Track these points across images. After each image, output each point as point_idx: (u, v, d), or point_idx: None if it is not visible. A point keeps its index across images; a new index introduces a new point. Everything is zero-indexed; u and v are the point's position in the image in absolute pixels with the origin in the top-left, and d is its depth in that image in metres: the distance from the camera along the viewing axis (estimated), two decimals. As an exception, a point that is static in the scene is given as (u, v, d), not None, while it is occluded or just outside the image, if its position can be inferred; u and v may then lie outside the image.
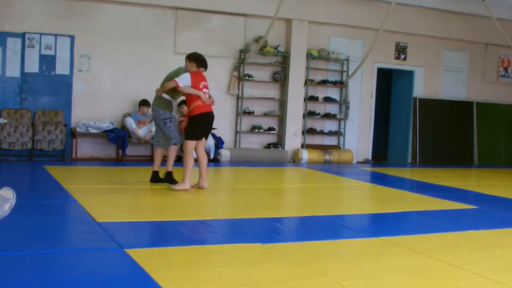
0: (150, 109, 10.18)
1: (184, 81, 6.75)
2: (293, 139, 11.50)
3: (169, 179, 7.14)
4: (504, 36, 11.14)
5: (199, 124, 6.87)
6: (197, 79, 6.78)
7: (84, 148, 10.08)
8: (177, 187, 6.92)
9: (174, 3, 10.46)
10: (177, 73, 6.98)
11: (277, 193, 7.81)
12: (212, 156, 10.42)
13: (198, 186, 7.06)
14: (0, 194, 3.05)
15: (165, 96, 7.03)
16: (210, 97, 6.95)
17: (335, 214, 6.07)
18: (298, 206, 6.98)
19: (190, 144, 6.86)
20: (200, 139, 6.96)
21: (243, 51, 10.95)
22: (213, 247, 4.40)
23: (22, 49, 9.63)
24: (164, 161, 7.33)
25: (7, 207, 3.04)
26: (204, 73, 7.10)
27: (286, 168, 10.68)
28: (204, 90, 6.80)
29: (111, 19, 10.16)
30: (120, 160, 10.08)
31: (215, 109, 7.17)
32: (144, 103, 10.18)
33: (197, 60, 6.88)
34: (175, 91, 6.98)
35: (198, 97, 6.76)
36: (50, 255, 3.91)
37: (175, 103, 7.73)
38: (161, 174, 7.28)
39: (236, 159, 10.61)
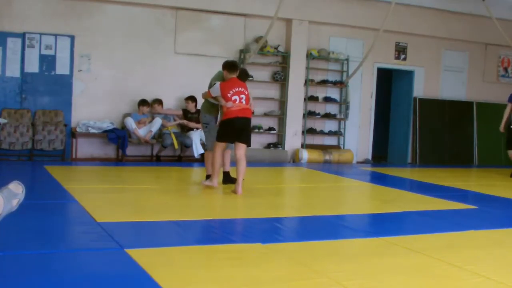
0: (149, 109, 10.27)
1: (215, 91, 7.11)
2: (293, 139, 11.50)
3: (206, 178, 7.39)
4: (504, 36, 11.14)
5: (223, 128, 7.09)
6: (226, 88, 7.01)
7: (84, 148, 10.08)
8: (205, 182, 7.25)
9: (174, 3, 10.46)
10: (215, 77, 7.42)
11: (277, 193, 7.81)
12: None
13: (232, 191, 7.07)
14: (9, 189, 3.03)
15: (210, 99, 7.32)
16: (244, 102, 7.03)
17: (335, 214, 6.07)
18: (298, 206, 6.98)
19: (217, 145, 7.11)
20: (224, 141, 7.12)
21: (243, 51, 10.95)
22: (213, 247, 4.40)
23: (22, 49, 9.62)
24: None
25: (15, 202, 3.02)
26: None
27: (286, 168, 10.68)
28: (234, 97, 6.96)
29: (111, 19, 10.16)
30: (120, 160, 10.08)
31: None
32: (143, 102, 10.19)
33: (226, 67, 7.16)
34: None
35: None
36: (50, 255, 3.91)
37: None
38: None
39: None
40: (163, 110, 10.36)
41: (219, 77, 7.31)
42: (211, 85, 7.34)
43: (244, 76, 7.51)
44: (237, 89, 7.01)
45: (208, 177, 7.39)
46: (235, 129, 7.00)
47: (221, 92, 7.01)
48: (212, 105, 7.41)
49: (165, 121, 10.27)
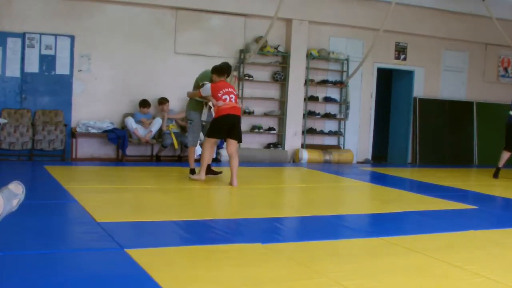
0: (149, 110, 10.28)
1: (205, 91, 7.68)
2: (293, 139, 11.50)
3: (191, 172, 8.10)
4: (504, 36, 11.14)
5: (214, 126, 7.64)
6: (216, 89, 7.58)
7: (84, 148, 10.08)
8: (193, 177, 7.86)
9: (174, 3, 10.46)
10: (201, 77, 8.01)
11: (277, 193, 7.81)
12: (213, 156, 10.45)
13: (229, 183, 7.63)
14: (9, 189, 3.03)
15: (198, 98, 7.92)
16: (234, 101, 7.60)
17: (335, 214, 6.07)
18: (298, 206, 6.98)
19: (207, 141, 7.71)
20: (216, 137, 7.73)
21: (243, 51, 10.95)
22: (213, 247, 4.40)
23: (22, 49, 9.62)
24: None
25: (15, 203, 3.02)
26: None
27: (286, 168, 10.68)
28: (224, 96, 7.52)
29: (111, 19, 10.16)
30: (120, 160, 10.08)
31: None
32: (144, 104, 10.17)
33: (216, 71, 7.74)
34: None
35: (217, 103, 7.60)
36: (50, 255, 3.91)
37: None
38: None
39: (236, 159, 10.59)
40: (168, 115, 10.37)
41: (206, 77, 7.90)
42: (197, 85, 7.96)
43: (229, 70, 7.98)
44: (226, 89, 7.58)
45: (192, 171, 8.04)
46: (227, 126, 7.55)
47: (212, 92, 7.57)
48: (197, 102, 7.99)
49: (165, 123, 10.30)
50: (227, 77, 7.94)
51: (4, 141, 9.26)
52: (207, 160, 7.73)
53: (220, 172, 8.24)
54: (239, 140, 7.74)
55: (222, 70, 7.72)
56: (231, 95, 7.57)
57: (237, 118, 7.66)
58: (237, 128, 7.68)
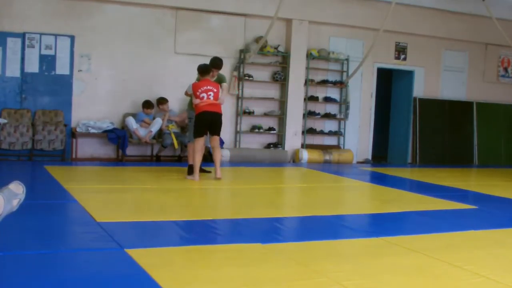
0: (153, 110, 10.28)
1: (189, 90, 8.18)
2: (293, 139, 11.50)
3: (189, 170, 8.23)
4: (504, 36, 11.14)
5: (195, 123, 7.99)
6: (196, 87, 7.91)
7: (84, 148, 10.08)
8: (188, 177, 8.08)
9: (174, 3, 10.46)
10: (197, 77, 8.29)
11: (277, 193, 7.81)
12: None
13: (215, 178, 7.99)
14: (9, 189, 3.03)
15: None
16: (213, 98, 7.87)
17: (335, 214, 6.07)
18: (298, 206, 6.98)
19: (195, 141, 7.95)
20: (200, 136, 7.90)
21: (243, 51, 10.95)
22: (213, 247, 4.40)
23: (22, 49, 9.62)
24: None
25: (15, 203, 3.02)
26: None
27: (286, 168, 10.68)
28: (202, 94, 7.83)
29: (111, 19, 10.16)
30: (120, 160, 10.08)
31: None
32: (147, 105, 10.16)
33: (198, 70, 8.12)
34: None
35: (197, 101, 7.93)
36: (50, 255, 3.91)
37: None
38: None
39: (236, 159, 10.61)
40: (169, 115, 10.36)
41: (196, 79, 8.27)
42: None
43: (217, 65, 8.20)
44: (205, 87, 7.86)
45: (190, 168, 8.14)
46: (206, 122, 7.87)
47: (192, 91, 7.96)
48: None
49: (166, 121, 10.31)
50: (218, 70, 8.17)
51: (4, 141, 9.26)
52: (198, 161, 7.97)
53: (209, 172, 8.55)
54: (218, 135, 8.07)
55: (204, 69, 8.01)
56: (209, 93, 7.84)
57: (216, 115, 7.90)
58: (217, 124, 7.96)
